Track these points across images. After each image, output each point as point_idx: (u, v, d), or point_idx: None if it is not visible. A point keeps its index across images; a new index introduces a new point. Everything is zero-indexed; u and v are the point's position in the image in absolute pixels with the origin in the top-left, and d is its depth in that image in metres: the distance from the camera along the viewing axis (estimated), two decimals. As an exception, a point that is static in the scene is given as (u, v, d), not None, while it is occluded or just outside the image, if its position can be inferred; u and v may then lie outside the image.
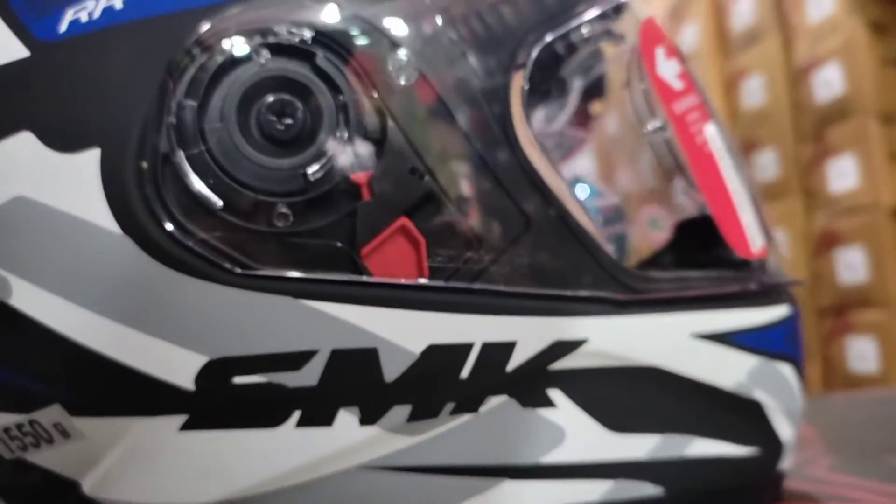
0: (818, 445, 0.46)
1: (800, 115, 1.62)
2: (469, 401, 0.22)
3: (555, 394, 0.23)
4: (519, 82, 0.23)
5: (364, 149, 0.21)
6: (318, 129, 0.20)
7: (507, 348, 0.22)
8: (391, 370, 0.21)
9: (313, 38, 0.21)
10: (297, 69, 0.21)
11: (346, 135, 0.20)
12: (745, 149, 1.77)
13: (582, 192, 0.44)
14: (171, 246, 0.20)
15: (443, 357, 0.21)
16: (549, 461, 0.23)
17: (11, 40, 0.21)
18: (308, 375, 0.21)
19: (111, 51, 0.21)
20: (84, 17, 0.21)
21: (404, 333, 0.21)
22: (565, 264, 0.23)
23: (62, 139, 0.20)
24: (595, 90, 0.39)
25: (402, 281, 0.21)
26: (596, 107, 0.41)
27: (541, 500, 0.23)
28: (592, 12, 0.25)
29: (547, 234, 0.22)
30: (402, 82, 0.21)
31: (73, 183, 0.20)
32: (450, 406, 0.22)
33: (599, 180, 0.44)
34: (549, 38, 0.24)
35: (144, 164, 0.20)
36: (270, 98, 0.20)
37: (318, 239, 0.21)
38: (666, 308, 0.24)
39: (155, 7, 0.21)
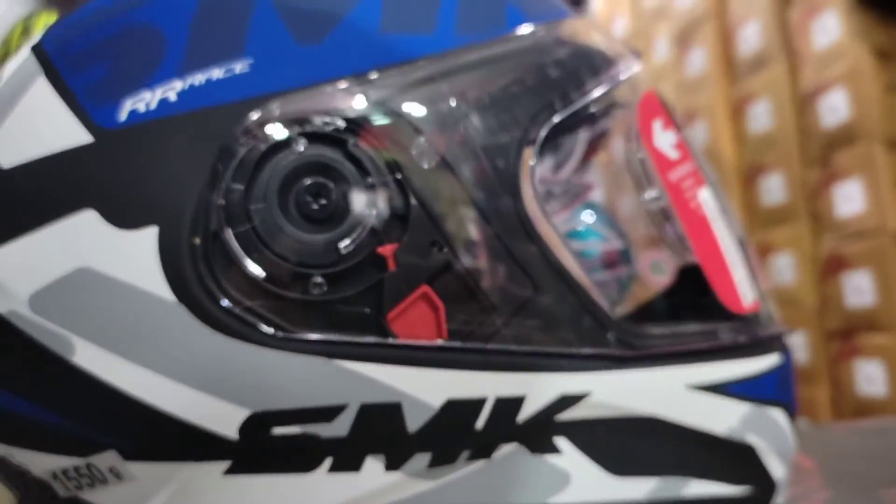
0: (816, 478, 0.47)
1: (806, 140, 1.64)
2: (483, 449, 0.25)
3: (561, 441, 0.25)
4: (528, 159, 0.25)
5: (390, 225, 0.23)
6: (350, 208, 0.23)
7: (518, 402, 0.24)
8: (413, 422, 0.23)
9: (345, 127, 0.23)
10: (330, 155, 0.23)
11: (374, 213, 0.23)
12: (752, 173, 1.79)
13: (588, 237, 0.46)
14: (220, 313, 0.22)
15: (460, 410, 0.24)
16: (555, 502, 0.25)
17: (77, 127, 0.24)
18: (339, 427, 0.23)
19: (167, 139, 0.23)
20: (142, 108, 0.24)
21: (425, 389, 0.23)
22: (570, 325, 0.25)
23: (123, 217, 0.23)
24: (599, 138, 0.42)
25: (424, 342, 0.23)
26: (600, 156, 0.43)
27: None
28: (599, 90, 0.28)
29: (554, 300, 0.24)
30: (424, 166, 0.23)
31: (133, 256, 0.23)
32: (466, 453, 0.24)
33: (603, 225, 0.46)
34: (557, 118, 0.26)
35: (197, 241, 0.22)
36: (307, 181, 0.23)
37: (349, 305, 0.23)
38: (662, 362, 0.26)
39: (205, 100, 0.23)
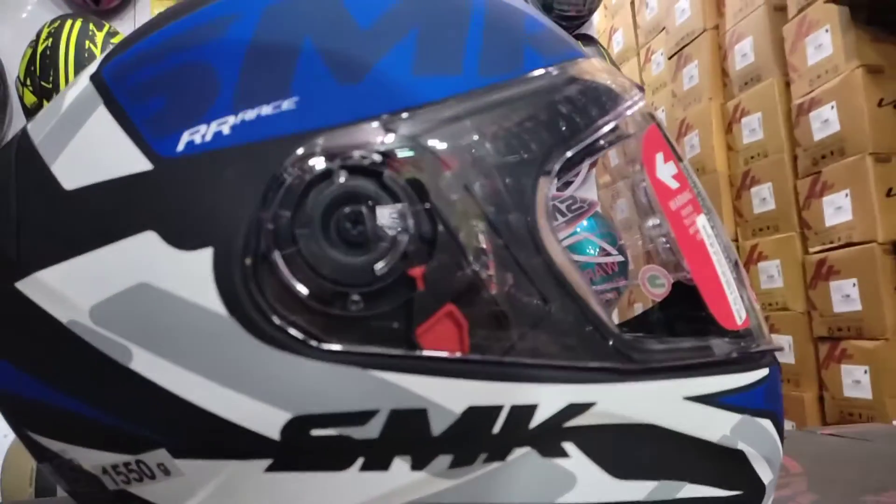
0: (802, 482, 0.50)
1: (797, 152, 1.68)
2: (499, 451, 0.27)
3: (568, 446, 0.28)
4: (544, 190, 0.28)
5: (420, 249, 0.26)
6: (384, 233, 0.25)
7: (531, 409, 0.27)
8: (437, 426, 0.26)
9: (380, 161, 0.26)
10: (367, 185, 0.26)
11: (405, 238, 0.26)
12: (744, 183, 1.83)
13: (589, 251, 0.49)
14: (268, 326, 0.25)
15: (479, 416, 0.26)
16: (562, 502, 0.28)
17: (137, 155, 0.26)
18: (371, 430, 0.26)
19: (221, 169, 0.26)
20: (198, 140, 0.26)
21: (448, 397, 0.26)
22: (578, 341, 0.27)
23: (182, 239, 0.25)
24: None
25: (448, 355, 0.26)
26: (603, 177, 0.46)
27: None
28: (608, 125, 0.30)
29: (565, 319, 0.27)
30: (450, 196, 0.26)
31: (190, 274, 0.25)
32: (483, 456, 0.27)
33: (604, 239, 0.49)
34: (570, 153, 0.29)
35: (248, 261, 0.25)
36: (347, 209, 0.25)
37: (383, 321, 0.25)
38: (661, 376, 0.29)
39: (256, 134, 0.26)
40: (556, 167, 0.28)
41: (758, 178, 1.80)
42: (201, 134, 0.26)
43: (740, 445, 0.31)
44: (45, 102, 1.12)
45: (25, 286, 0.27)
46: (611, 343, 0.28)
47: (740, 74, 1.87)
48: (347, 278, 0.25)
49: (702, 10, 1.96)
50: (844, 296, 1.55)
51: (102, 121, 0.27)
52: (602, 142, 0.31)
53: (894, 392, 1.44)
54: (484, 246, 0.26)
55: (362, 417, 0.25)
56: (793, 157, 1.72)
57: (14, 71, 1.19)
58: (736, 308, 0.32)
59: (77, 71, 1.12)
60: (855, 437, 0.64)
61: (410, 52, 0.28)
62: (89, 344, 0.26)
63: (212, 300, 0.25)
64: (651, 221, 0.31)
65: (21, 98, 1.15)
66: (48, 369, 0.28)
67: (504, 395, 0.26)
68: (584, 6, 1.52)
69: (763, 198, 1.79)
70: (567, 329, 0.27)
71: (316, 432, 0.25)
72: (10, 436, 1.08)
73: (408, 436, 0.26)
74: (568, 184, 0.47)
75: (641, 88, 0.34)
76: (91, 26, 1.17)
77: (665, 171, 0.31)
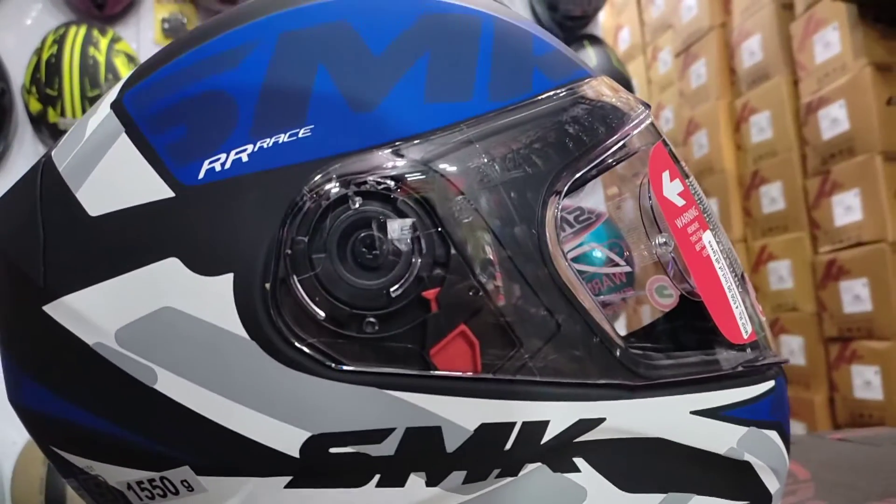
0: (809, 489, 0.51)
1: (806, 151, 1.68)
2: (511, 467, 0.28)
3: (579, 461, 0.28)
4: (553, 209, 0.29)
5: (433, 272, 0.26)
6: (399, 257, 0.26)
7: (542, 426, 0.27)
8: (451, 443, 0.27)
9: (394, 186, 0.27)
10: (382, 210, 0.26)
11: (419, 261, 0.26)
12: (753, 182, 1.83)
13: (598, 258, 0.49)
14: (287, 348, 0.26)
15: (491, 433, 0.27)
16: (573, 515, 0.29)
17: (159, 183, 0.27)
18: (387, 447, 0.26)
19: (240, 196, 0.26)
20: (218, 167, 0.27)
21: (462, 415, 0.27)
22: (588, 359, 0.28)
23: (204, 265, 0.26)
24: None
25: (461, 374, 0.27)
26: (610, 188, 0.46)
27: None
28: (615, 144, 0.31)
29: (574, 338, 0.28)
30: (462, 219, 0.27)
31: (212, 299, 0.26)
32: (496, 471, 0.28)
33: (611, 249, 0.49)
34: (579, 173, 0.29)
35: (267, 286, 0.26)
36: (362, 234, 0.26)
37: (398, 342, 0.26)
38: (668, 391, 0.30)
39: (273, 161, 0.27)
40: (566, 187, 0.29)
41: (767, 178, 1.80)
42: (221, 162, 0.27)
43: (747, 457, 0.32)
44: (50, 110, 1.13)
45: (53, 309, 0.28)
46: (619, 360, 0.29)
47: (748, 72, 1.86)
48: (363, 301, 0.26)
49: (709, 7, 1.96)
50: (855, 296, 1.54)
51: (125, 149, 0.28)
52: (610, 160, 0.31)
53: (905, 393, 1.43)
54: (495, 269, 0.27)
55: (379, 435, 0.26)
56: (802, 156, 1.71)
57: (18, 77, 1.21)
58: (742, 322, 0.33)
59: (82, 78, 1.14)
60: (863, 443, 0.65)
61: (422, 80, 0.28)
62: (115, 365, 0.27)
63: (233, 324, 0.26)
64: (658, 239, 0.32)
65: (26, 105, 1.16)
66: (75, 389, 0.29)
67: (516, 412, 0.27)
68: (589, 5, 1.52)
69: (772, 197, 1.78)
70: (577, 348, 0.28)
71: (334, 450, 0.26)
72: (20, 443, 1.09)
73: (423, 453, 0.27)
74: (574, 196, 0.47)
75: (647, 105, 0.35)
76: (95, 33, 1.19)
77: (671, 189, 0.32)
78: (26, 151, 1.24)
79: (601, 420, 0.28)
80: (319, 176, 0.26)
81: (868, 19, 1.54)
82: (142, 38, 1.34)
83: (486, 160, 0.28)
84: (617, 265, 0.49)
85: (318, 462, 0.27)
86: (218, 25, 0.31)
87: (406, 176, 0.27)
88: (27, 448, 1.07)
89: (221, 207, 0.26)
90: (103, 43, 1.19)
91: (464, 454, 0.27)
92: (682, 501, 0.30)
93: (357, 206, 0.26)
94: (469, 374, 0.27)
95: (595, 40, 1.53)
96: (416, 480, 0.27)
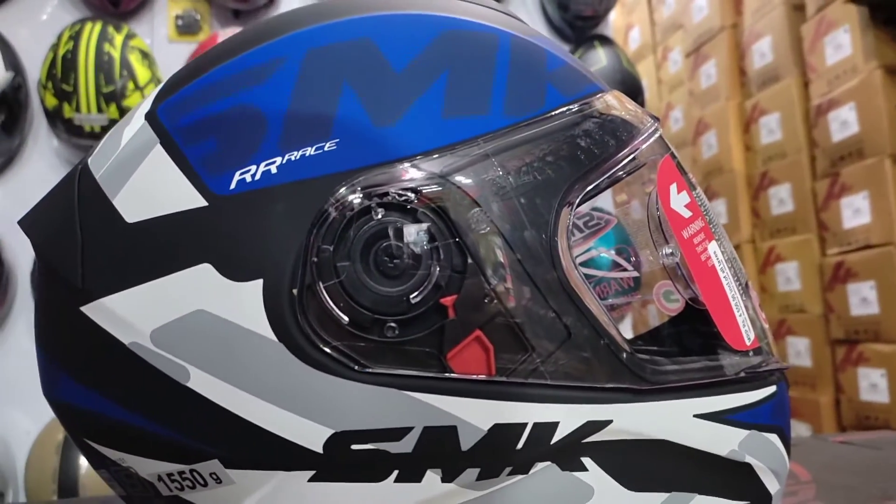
0: (810, 490, 0.52)
1: (816, 153, 1.68)
2: (522, 465, 0.29)
3: (586, 460, 0.30)
4: (566, 220, 0.30)
5: (451, 280, 0.28)
6: (418, 265, 0.28)
7: (552, 427, 0.29)
8: (466, 442, 0.28)
9: (414, 198, 0.28)
10: (403, 221, 0.28)
11: (437, 270, 0.28)
12: (762, 183, 1.83)
13: (605, 263, 0.51)
14: (312, 350, 0.27)
15: (504, 433, 0.28)
16: (580, 511, 0.30)
17: (193, 192, 0.29)
18: (406, 445, 0.28)
19: (269, 205, 0.28)
20: (248, 178, 0.28)
21: (476, 415, 0.28)
22: (596, 364, 0.29)
23: (235, 271, 0.28)
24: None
25: (476, 377, 0.28)
26: (619, 195, 0.48)
27: None
28: (626, 157, 0.32)
29: (583, 344, 0.29)
30: (479, 230, 0.28)
31: (243, 303, 0.27)
32: (508, 469, 0.29)
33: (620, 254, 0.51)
34: (590, 186, 0.31)
35: (295, 291, 0.27)
36: (384, 243, 0.28)
37: (416, 346, 0.28)
38: (672, 395, 0.31)
39: (300, 173, 0.28)
40: (577, 199, 0.30)
41: (776, 179, 1.80)
42: (251, 173, 0.28)
43: (748, 459, 0.33)
44: (65, 106, 1.15)
45: (90, 310, 0.30)
46: (626, 365, 0.30)
47: (758, 74, 1.87)
48: (385, 307, 0.28)
49: (720, 8, 1.96)
50: (862, 299, 1.55)
51: (160, 159, 0.30)
52: (621, 172, 0.33)
53: (911, 396, 1.44)
54: (510, 278, 0.28)
55: (398, 434, 0.28)
56: (811, 158, 1.71)
57: (33, 72, 1.22)
58: (745, 329, 0.34)
59: (97, 75, 1.15)
60: (865, 445, 0.66)
61: (441, 96, 0.30)
62: (150, 364, 0.29)
63: (262, 326, 0.27)
64: (665, 250, 0.33)
65: (42, 101, 1.18)
66: (110, 385, 0.30)
67: (527, 413, 0.28)
68: (600, 5, 1.53)
69: (781, 199, 1.79)
70: (586, 354, 0.29)
71: (355, 446, 0.28)
72: (34, 433, 1.12)
73: (439, 450, 0.28)
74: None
75: (656, 118, 0.36)
76: (110, 29, 1.20)
77: (678, 200, 0.33)
78: (41, 146, 1.26)
79: (608, 422, 0.30)
80: (344, 188, 0.28)
81: (879, 22, 1.54)
82: (156, 34, 1.36)
83: (501, 173, 0.29)
84: (625, 270, 0.51)
85: (340, 458, 0.28)
86: (247, 41, 0.32)
87: (425, 188, 0.28)
88: (41, 438, 1.09)
89: (252, 216, 0.28)
90: (118, 39, 1.20)
91: (477, 452, 0.28)
92: (685, 501, 0.32)
93: (379, 216, 0.28)
94: (483, 376, 0.28)
95: (605, 40, 1.54)
96: (432, 477, 0.29)
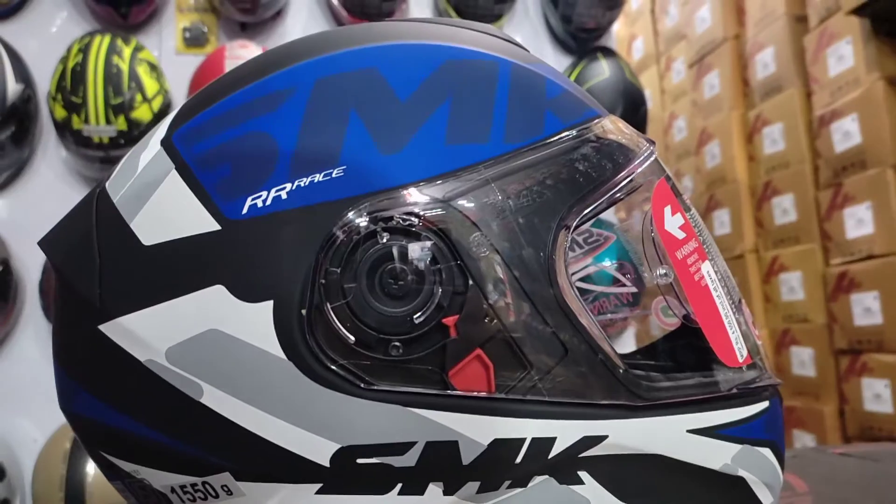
0: (806, 501, 0.53)
1: (819, 164, 1.69)
2: (520, 479, 0.30)
3: (583, 474, 0.31)
4: (563, 242, 0.31)
5: (452, 301, 0.29)
6: (421, 287, 0.29)
7: (549, 442, 0.30)
8: (467, 456, 0.29)
9: (418, 223, 0.29)
10: (407, 245, 0.29)
11: (440, 291, 0.29)
12: (765, 194, 1.84)
13: (602, 278, 0.52)
14: (320, 369, 0.29)
15: (503, 448, 0.30)
16: (577, 523, 0.31)
17: (207, 217, 0.30)
18: (409, 459, 0.29)
19: (280, 230, 0.29)
20: (260, 204, 0.30)
21: (477, 431, 0.29)
22: (593, 381, 0.31)
23: (246, 292, 0.29)
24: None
25: (477, 394, 0.29)
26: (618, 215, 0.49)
27: None
28: (622, 181, 0.33)
29: (579, 360, 0.30)
30: (479, 254, 0.29)
31: (254, 323, 0.29)
32: (507, 482, 0.30)
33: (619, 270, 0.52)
34: (588, 209, 0.32)
35: (303, 312, 0.29)
36: (389, 266, 0.29)
37: (420, 364, 0.29)
38: (666, 411, 0.32)
39: (309, 199, 0.29)
40: (575, 221, 0.32)
41: (779, 189, 1.81)
42: (263, 199, 0.30)
43: (741, 472, 0.34)
44: (74, 117, 1.16)
45: (108, 329, 0.31)
46: (622, 383, 0.31)
47: (761, 84, 1.88)
48: (389, 327, 0.29)
49: (722, 18, 1.97)
50: (865, 309, 1.55)
51: (175, 185, 0.31)
52: (618, 194, 0.34)
53: (915, 406, 1.44)
54: (509, 298, 0.30)
55: (401, 448, 0.29)
56: (814, 169, 1.72)
57: (42, 83, 1.24)
58: (738, 347, 0.35)
59: (105, 87, 1.17)
60: (864, 457, 0.66)
61: (443, 124, 0.31)
62: (165, 381, 0.30)
63: (272, 345, 0.29)
64: (659, 271, 0.34)
65: (51, 112, 1.20)
66: (126, 400, 0.32)
67: (526, 429, 0.30)
68: (603, 17, 1.55)
69: (784, 209, 1.79)
70: (583, 371, 0.30)
71: (361, 460, 0.29)
72: (41, 441, 1.13)
73: (441, 464, 0.29)
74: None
75: (652, 142, 0.37)
76: (119, 42, 1.22)
77: (672, 222, 0.34)
78: (50, 157, 1.28)
79: (604, 437, 0.31)
80: (351, 213, 0.29)
81: (881, 34, 1.55)
82: (164, 46, 1.38)
83: (501, 197, 0.30)
84: (624, 286, 0.52)
85: (346, 471, 0.29)
86: (258, 69, 0.34)
87: (428, 213, 0.29)
88: (48, 446, 1.10)
89: (263, 240, 0.29)
90: (127, 52, 1.22)
91: (478, 466, 0.29)
92: (679, 513, 0.33)
93: (385, 240, 0.29)
94: (484, 393, 0.29)
95: (608, 52, 1.55)
96: (434, 490, 0.30)
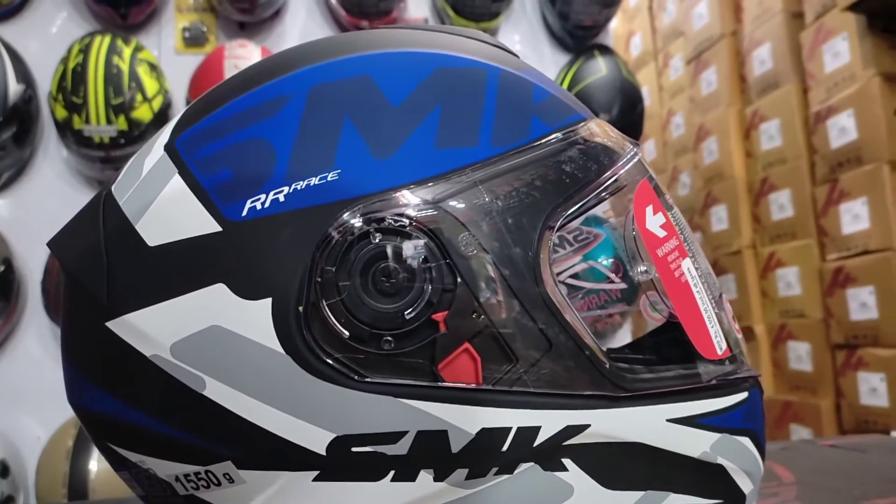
0: (792, 491, 0.54)
1: (815, 160, 1.70)
2: (507, 466, 0.32)
3: (567, 461, 0.32)
4: (548, 241, 0.33)
5: (442, 297, 0.31)
6: (412, 284, 0.31)
7: (534, 431, 0.32)
8: (456, 444, 0.31)
9: (409, 224, 0.31)
10: (398, 245, 0.31)
11: (430, 288, 0.31)
12: (762, 189, 1.85)
13: (593, 275, 0.54)
14: (316, 362, 0.30)
15: (490, 436, 0.31)
16: (562, 508, 0.33)
17: (208, 218, 0.32)
18: (401, 447, 0.31)
19: (278, 231, 0.31)
20: (259, 206, 0.31)
21: (465, 420, 0.31)
22: (576, 373, 0.32)
23: (246, 290, 0.30)
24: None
25: (465, 385, 0.31)
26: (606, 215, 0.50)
27: None
28: (607, 181, 0.35)
29: (563, 353, 0.32)
30: (468, 252, 0.31)
31: (253, 319, 0.30)
32: (494, 469, 0.32)
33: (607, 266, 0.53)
34: (573, 208, 0.33)
35: (300, 308, 0.30)
36: (381, 265, 0.30)
37: (411, 358, 0.31)
38: (647, 401, 0.33)
39: (306, 201, 0.31)
40: (560, 220, 0.33)
41: (776, 185, 1.82)
42: (261, 201, 0.31)
43: (719, 460, 0.35)
44: (75, 117, 1.17)
45: (115, 325, 0.33)
46: (603, 374, 0.33)
47: (758, 81, 1.89)
48: (382, 323, 0.30)
49: (720, 15, 1.98)
50: (861, 304, 1.56)
51: (178, 188, 0.33)
52: (603, 194, 0.35)
53: (910, 400, 1.45)
54: (495, 295, 0.31)
55: (394, 437, 0.31)
56: (810, 165, 1.73)
57: (43, 83, 1.25)
58: (717, 340, 0.37)
59: (106, 87, 1.18)
60: (851, 449, 0.68)
61: (434, 129, 0.32)
62: (169, 374, 0.32)
63: (271, 340, 0.30)
64: (640, 268, 0.36)
65: (52, 112, 1.21)
66: (132, 393, 0.33)
67: (511, 419, 0.31)
68: (599, 15, 1.56)
69: (781, 204, 1.80)
70: (566, 363, 0.32)
71: (355, 449, 0.31)
72: (44, 439, 1.14)
73: (431, 452, 0.31)
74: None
75: (636, 143, 0.39)
76: (119, 42, 1.23)
77: (653, 221, 0.36)
78: (51, 156, 1.30)
79: (586, 426, 0.32)
80: (346, 214, 0.31)
81: (877, 30, 1.56)
82: (163, 46, 1.39)
83: (489, 199, 0.32)
84: (613, 282, 0.53)
85: (341, 459, 0.31)
86: (257, 77, 0.35)
87: (419, 214, 0.31)
88: (51, 444, 1.11)
89: (262, 241, 0.31)
90: (127, 52, 1.23)
91: (466, 454, 0.31)
92: (660, 499, 0.34)
93: (377, 240, 0.30)
94: (472, 385, 0.31)
95: (605, 50, 1.56)
96: (425, 476, 0.31)
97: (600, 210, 0.47)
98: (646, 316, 0.50)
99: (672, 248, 0.36)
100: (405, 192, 0.31)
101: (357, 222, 0.30)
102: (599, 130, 0.37)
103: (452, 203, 0.31)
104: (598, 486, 0.33)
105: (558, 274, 0.48)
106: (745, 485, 0.37)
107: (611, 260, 0.53)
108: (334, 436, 0.31)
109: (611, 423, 0.33)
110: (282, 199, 0.31)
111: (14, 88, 1.19)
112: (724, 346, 0.37)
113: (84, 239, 0.35)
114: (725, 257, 1.94)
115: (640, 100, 1.53)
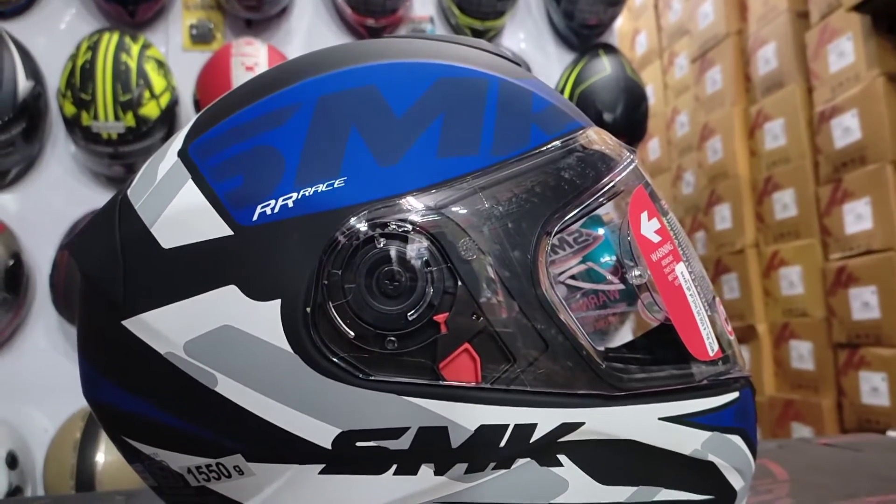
0: (784, 488, 0.56)
1: (819, 159, 1.70)
2: (504, 461, 0.33)
3: (562, 457, 0.34)
4: (546, 245, 0.34)
5: (443, 300, 0.32)
6: (415, 287, 0.32)
7: (531, 428, 0.33)
8: (456, 440, 0.32)
9: (412, 229, 0.32)
10: (402, 249, 0.32)
11: (431, 291, 0.32)
12: (766, 188, 1.85)
13: (593, 276, 0.55)
14: (322, 361, 0.32)
15: (488, 433, 0.32)
16: (556, 502, 0.34)
17: (221, 223, 0.33)
18: (403, 442, 0.32)
19: (286, 235, 0.32)
20: (268, 211, 0.33)
21: (464, 417, 0.32)
22: (571, 373, 0.33)
23: (256, 291, 0.32)
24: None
25: (465, 384, 0.32)
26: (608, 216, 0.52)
27: None
28: (604, 187, 0.36)
29: (559, 353, 0.33)
30: (468, 257, 0.32)
31: (263, 319, 0.32)
32: (492, 464, 0.33)
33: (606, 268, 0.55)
34: (570, 214, 0.34)
35: (308, 309, 0.32)
36: (386, 268, 0.32)
37: (413, 357, 0.32)
38: (640, 400, 0.35)
39: (313, 207, 0.32)
40: (556, 227, 0.34)
41: (780, 184, 1.83)
42: (271, 207, 0.33)
43: (710, 457, 0.37)
44: (83, 114, 1.18)
45: (131, 324, 0.34)
46: (598, 373, 0.34)
47: (763, 80, 1.89)
48: (385, 324, 0.32)
49: (725, 14, 1.98)
50: (863, 303, 1.57)
51: (192, 193, 0.34)
52: (601, 199, 0.36)
53: (911, 399, 1.46)
54: (494, 297, 0.32)
55: (396, 433, 0.32)
56: (814, 164, 1.74)
57: (51, 79, 1.26)
58: (709, 342, 0.38)
59: (114, 84, 1.19)
60: (846, 447, 0.69)
61: (436, 138, 0.34)
62: (183, 371, 0.33)
63: (280, 340, 0.32)
64: (634, 272, 0.37)
65: (61, 109, 1.22)
66: (147, 389, 0.35)
67: (509, 416, 0.33)
68: (605, 14, 1.56)
69: (785, 204, 1.81)
70: (562, 363, 0.33)
71: (360, 443, 0.32)
72: (52, 431, 1.16)
73: (432, 447, 0.32)
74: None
75: (633, 150, 0.40)
76: (127, 40, 1.24)
77: (648, 227, 0.37)
78: (59, 152, 1.31)
79: (581, 424, 0.34)
80: (352, 219, 0.32)
81: (882, 30, 1.56)
82: (171, 43, 1.40)
83: (489, 205, 0.33)
84: (611, 283, 0.55)
85: (346, 453, 0.32)
86: (266, 86, 0.37)
87: (422, 220, 0.32)
88: (58, 436, 1.13)
89: (271, 245, 0.32)
90: (135, 49, 1.24)
91: (465, 449, 0.32)
92: (652, 494, 0.36)
93: (382, 244, 0.32)
94: (471, 384, 0.32)
95: (610, 49, 1.57)
96: (425, 470, 0.33)
97: (599, 213, 0.48)
98: (644, 317, 0.52)
99: (666, 252, 0.37)
100: (408, 199, 0.32)
101: (362, 227, 0.32)
102: (597, 138, 0.38)
103: (454, 209, 0.33)
104: (592, 482, 0.34)
105: (558, 275, 0.49)
106: (736, 481, 0.38)
107: (610, 260, 0.55)
108: (340, 431, 0.32)
109: (605, 421, 0.34)
110: (291, 204, 0.32)
111: (23, 85, 1.21)
112: (717, 347, 0.38)
113: (100, 242, 0.36)
114: (729, 256, 1.95)
115: (645, 98, 1.54)
